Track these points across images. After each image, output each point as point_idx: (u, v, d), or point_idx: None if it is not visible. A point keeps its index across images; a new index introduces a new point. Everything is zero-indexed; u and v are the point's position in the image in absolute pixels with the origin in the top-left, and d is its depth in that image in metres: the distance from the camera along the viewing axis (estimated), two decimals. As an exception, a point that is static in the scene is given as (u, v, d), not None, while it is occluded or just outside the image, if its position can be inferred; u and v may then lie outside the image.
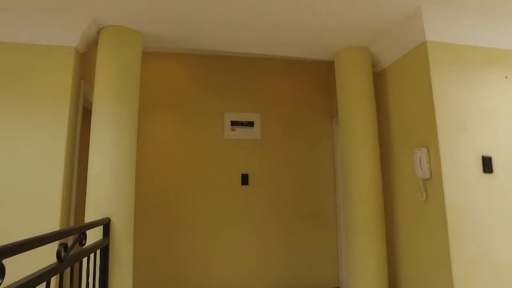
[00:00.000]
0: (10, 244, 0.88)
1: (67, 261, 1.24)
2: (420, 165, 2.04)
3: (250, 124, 3.36)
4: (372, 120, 2.46)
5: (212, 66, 3.43)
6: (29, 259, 1.29)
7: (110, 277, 1.89)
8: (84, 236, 1.49)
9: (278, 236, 3.23)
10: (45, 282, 1.06)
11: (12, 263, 0.98)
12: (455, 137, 1.99)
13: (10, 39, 2.12)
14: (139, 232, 2.90)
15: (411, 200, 2.21)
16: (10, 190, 1.97)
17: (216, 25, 2.27)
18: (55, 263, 1.17)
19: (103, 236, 1.89)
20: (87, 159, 2.06)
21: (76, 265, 1.49)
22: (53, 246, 1.39)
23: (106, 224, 1.90)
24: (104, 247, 1.86)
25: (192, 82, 3.37)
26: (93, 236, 1.81)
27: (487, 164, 1.99)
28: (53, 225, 1.96)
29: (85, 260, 1.56)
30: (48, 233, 1.14)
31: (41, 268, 1.09)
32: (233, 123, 3.34)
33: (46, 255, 1.41)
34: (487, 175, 1.99)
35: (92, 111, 2.13)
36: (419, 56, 2.15)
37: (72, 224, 2.18)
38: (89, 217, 1.96)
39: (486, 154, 2.01)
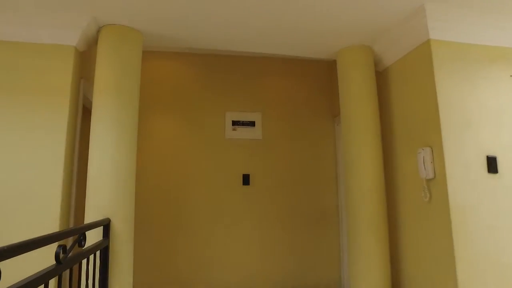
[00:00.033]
0: (6, 246, 0.86)
1: (66, 263, 1.22)
2: (424, 165, 2.02)
3: (251, 123, 3.34)
4: (374, 119, 2.43)
5: (213, 65, 3.40)
6: (27, 261, 1.28)
7: (110, 278, 1.87)
8: (83, 237, 1.47)
9: (280, 236, 3.20)
10: (43, 285, 1.04)
11: (8, 266, 0.95)
12: (459, 137, 1.96)
13: (9, 38, 2.10)
14: (139, 232, 2.88)
15: (414, 200, 2.19)
16: (9, 190, 1.95)
17: (216, 25, 2.25)
18: (53, 265, 1.14)
19: (103, 237, 1.87)
20: (87, 159, 2.04)
21: (76, 267, 1.47)
22: (52, 248, 1.36)
23: (106, 225, 1.88)
24: (104, 248, 1.84)
25: (192, 81, 3.35)
26: (93, 237, 1.79)
27: (492, 164, 1.96)
28: (53, 225, 1.95)
29: (84, 261, 1.54)
30: (46, 235, 1.12)
31: (39, 270, 1.07)
32: (234, 123, 3.31)
33: (44, 257, 1.39)
34: (492, 175, 1.96)
35: (92, 110, 2.11)
36: (422, 54, 2.13)
37: (72, 224, 2.17)
38: (89, 218, 1.94)
39: (491, 154, 1.98)
